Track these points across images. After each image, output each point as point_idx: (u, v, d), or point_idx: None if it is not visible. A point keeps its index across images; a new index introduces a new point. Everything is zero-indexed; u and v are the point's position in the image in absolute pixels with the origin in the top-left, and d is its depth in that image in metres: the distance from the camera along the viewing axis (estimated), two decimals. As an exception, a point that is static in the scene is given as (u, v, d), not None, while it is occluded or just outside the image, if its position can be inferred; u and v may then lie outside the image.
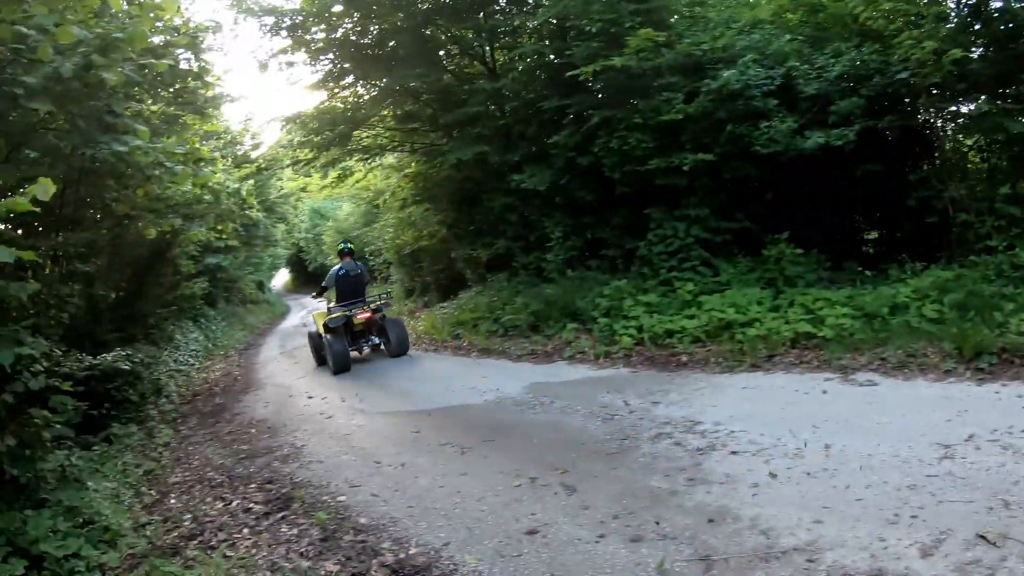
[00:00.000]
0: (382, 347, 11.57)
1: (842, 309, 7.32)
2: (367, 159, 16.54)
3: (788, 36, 9.59)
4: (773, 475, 4.20)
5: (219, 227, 13.96)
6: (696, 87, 9.45)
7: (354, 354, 11.20)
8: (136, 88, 6.97)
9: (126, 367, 9.05)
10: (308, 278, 46.88)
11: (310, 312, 17.24)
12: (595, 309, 9.45)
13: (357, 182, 19.23)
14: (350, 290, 11.47)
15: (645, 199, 10.31)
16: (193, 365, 14.55)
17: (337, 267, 11.66)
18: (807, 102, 8.90)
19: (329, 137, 14.82)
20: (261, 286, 37.94)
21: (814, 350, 6.99)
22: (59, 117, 5.55)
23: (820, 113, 8.79)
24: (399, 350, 11.12)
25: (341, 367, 10.51)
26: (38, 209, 3.22)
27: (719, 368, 7.15)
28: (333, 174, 18.02)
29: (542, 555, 3.71)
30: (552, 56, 11.30)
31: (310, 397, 9.45)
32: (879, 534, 3.32)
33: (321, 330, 11.32)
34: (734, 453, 4.65)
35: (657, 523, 3.79)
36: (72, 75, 4.39)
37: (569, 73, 10.16)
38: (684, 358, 7.69)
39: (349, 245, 12.52)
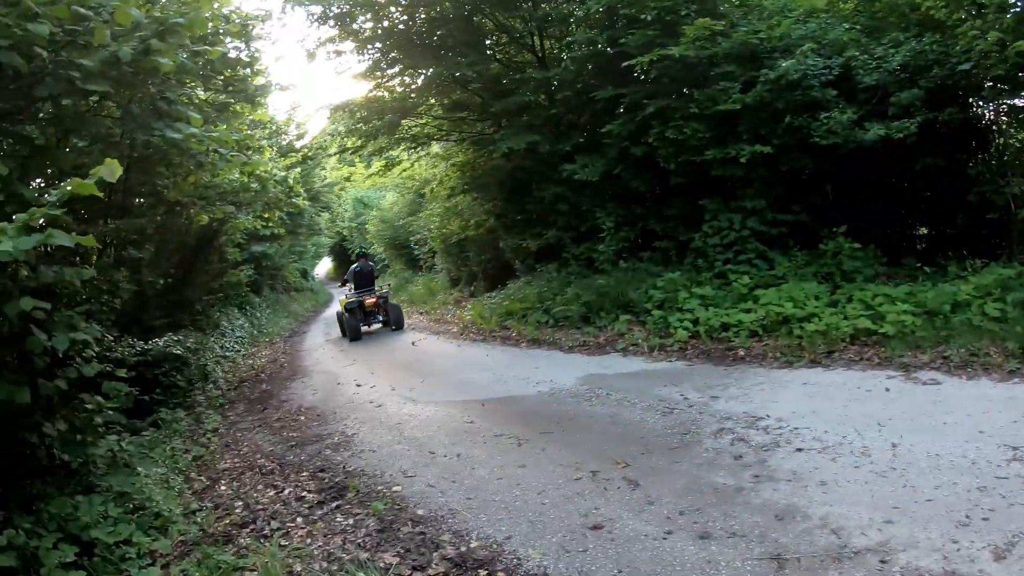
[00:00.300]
0: (386, 323, 15.52)
1: (902, 306, 7.23)
2: (414, 148, 16.72)
3: (845, 25, 9.42)
4: (842, 473, 4.20)
5: (266, 215, 14.46)
6: (753, 77, 9.34)
7: (365, 328, 15.19)
8: (188, 75, 6.91)
9: (178, 352, 9.26)
10: (350, 267, 46.75)
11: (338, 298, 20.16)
12: (648, 301, 9.47)
13: (403, 171, 19.42)
14: (363, 282, 15.64)
15: (700, 190, 10.26)
16: (239, 351, 14.76)
17: (355, 265, 16.15)
18: (865, 93, 8.75)
19: (377, 126, 15.02)
20: (305, 274, 38.38)
21: (874, 347, 6.92)
22: (112, 103, 5.58)
23: (879, 105, 8.64)
24: (396, 326, 15.18)
25: (354, 336, 14.49)
26: (101, 194, 3.16)
27: (777, 363, 7.12)
28: (379, 163, 18.25)
29: (608, 551, 3.70)
30: (604, 45, 11.24)
31: (359, 385, 9.56)
32: (951, 536, 3.31)
33: (343, 310, 15.36)
34: (799, 450, 4.64)
35: (725, 520, 3.81)
36: (130, 59, 4.31)
37: (625, 63, 10.12)
38: (741, 352, 7.68)
39: (364, 248, 17.57)
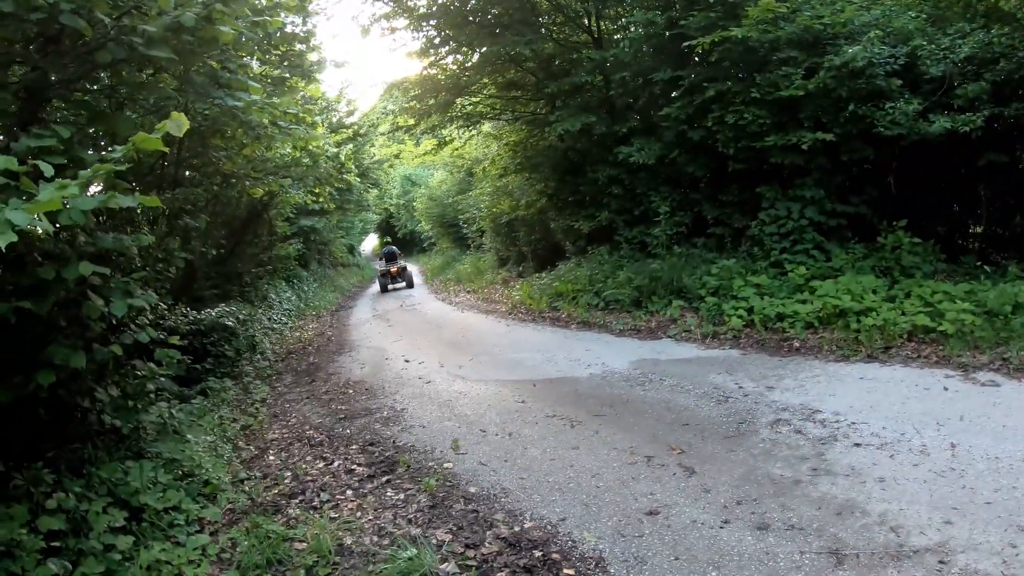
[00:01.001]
0: (407, 285, 23.05)
1: (962, 304, 7.10)
2: (467, 127, 16.78)
3: (911, 13, 9.19)
4: (900, 471, 4.21)
5: (316, 190, 14.66)
6: (816, 63, 9.19)
7: (391, 286, 23.00)
8: (247, 47, 6.81)
9: (229, 323, 9.42)
10: (398, 243, 47.62)
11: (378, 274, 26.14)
12: (702, 288, 9.47)
13: (455, 150, 19.52)
14: (388, 258, 24.25)
15: (758, 177, 10.17)
16: (286, 324, 15.03)
17: (384, 248, 25.40)
18: (930, 84, 8.57)
19: (430, 104, 15.10)
20: (352, 250, 38.98)
21: (932, 345, 6.85)
22: (167, 75, 5.54)
23: (943, 96, 8.45)
24: (408, 284, 22.97)
25: (383, 290, 22.65)
26: (167, 149, 3.16)
27: (833, 356, 7.08)
28: (430, 142, 18.37)
29: (665, 537, 3.74)
30: (662, 26, 11.15)
31: (407, 361, 9.72)
32: (1010, 540, 3.32)
33: (379, 274, 23.80)
34: (857, 445, 4.66)
35: (783, 512, 3.85)
36: (193, 24, 4.28)
37: (685, 44, 10.03)
38: (796, 343, 7.66)
39: (388, 240, 28.23)
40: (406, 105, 16.09)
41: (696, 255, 10.68)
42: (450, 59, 15.46)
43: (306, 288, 21.23)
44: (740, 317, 8.51)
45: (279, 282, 18.23)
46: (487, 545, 3.90)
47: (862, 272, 8.47)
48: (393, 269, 23.06)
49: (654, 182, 11.81)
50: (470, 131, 17.40)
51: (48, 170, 2.72)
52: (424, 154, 21.47)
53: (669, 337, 8.96)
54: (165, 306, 7.62)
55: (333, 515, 4.59)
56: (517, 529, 4.07)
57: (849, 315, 7.59)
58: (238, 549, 4.18)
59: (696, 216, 11.53)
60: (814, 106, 9.24)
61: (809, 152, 9.17)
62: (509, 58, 13.79)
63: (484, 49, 13.86)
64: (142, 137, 2.83)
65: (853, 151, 9.20)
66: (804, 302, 8.22)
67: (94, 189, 3.12)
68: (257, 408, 7.83)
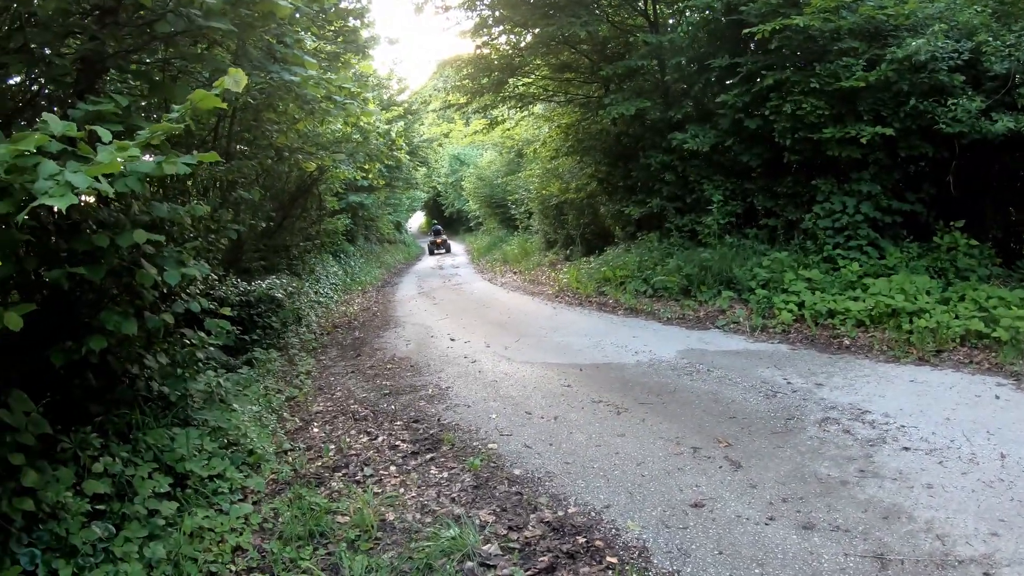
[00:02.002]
0: (446, 252, 32.39)
1: (1018, 311, 6.97)
2: (518, 108, 16.80)
3: (976, 8, 8.92)
4: (948, 478, 4.22)
5: (367, 167, 14.81)
6: (877, 55, 9.02)
7: (438, 253, 32.33)
8: (302, 21, 6.90)
9: (278, 295, 9.54)
10: (445, 222, 48.52)
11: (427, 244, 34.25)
12: (753, 279, 9.45)
13: (505, 131, 19.56)
14: (436, 233, 34.52)
15: (813, 169, 10.07)
16: (332, 298, 15.16)
17: (433, 226, 39.53)
18: (993, 81, 8.35)
19: (483, 83, 15.18)
20: (399, 227, 39.40)
21: (984, 351, 6.75)
22: (221, 49, 5.59)
23: (1007, 95, 8.21)
24: (446, 250, 32.38)
25: (430, 252, 32.42)
26: (224, 105, 3.14)
27: (883, 356, 7.04)
28: (481, 121, 18.41)
29: (709, 531, 3.75)
30: (721, 11, 10.99)
31: (452, 339, 9.87)
32: (1059, 555, 3.29)
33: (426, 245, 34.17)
34: (906, 449, 4.66)
35: (829, 513, 3.88)
36: None
37: (745, 31, 9.92)
38: (846, 341, 7.63)
39: (435, 221, 43.82)
40: (458, 84, 16.19)
41: (747, 246, 10.64)
42: (503, 39, 15.48)
43: (352, 263, 21.34)
44: (790, 311, 8.49)
45: (326, 256, 18.36)
46: (530, 528, 3.94)
47: (916, 272, 8.36)
48: (438, 240, 33.80)
49: (707, 170, 11.76)
50: (522, 112, 17.43)
51: (106, 135, 2.77)
52: (474, 133, 21.60)
53: (717, 328, 9.00)
54: (216, 277, 7.69)
55: (376, 490, 4.66)
56: (561, 514, 4.11)
57: (901, 315, 7.52)
58: (280, 519, 4.26)
59: (748, 206, 11.46)
60: (874, 99, 9.08)
61: (867, 146, 9.04)
62: (563, 39, 13.72)
63: (538, 30, 13.85)
64: (200, 94, 2.85)
65: (912, 147, 9.02)
66: (856, 299, 8.15)
67: (149, 158, 3.09)
68: (302, 380, 7.98)
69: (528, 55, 15.21)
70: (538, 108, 17.94)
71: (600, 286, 12.50)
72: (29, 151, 2.47)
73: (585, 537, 3.81)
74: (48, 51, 4.28)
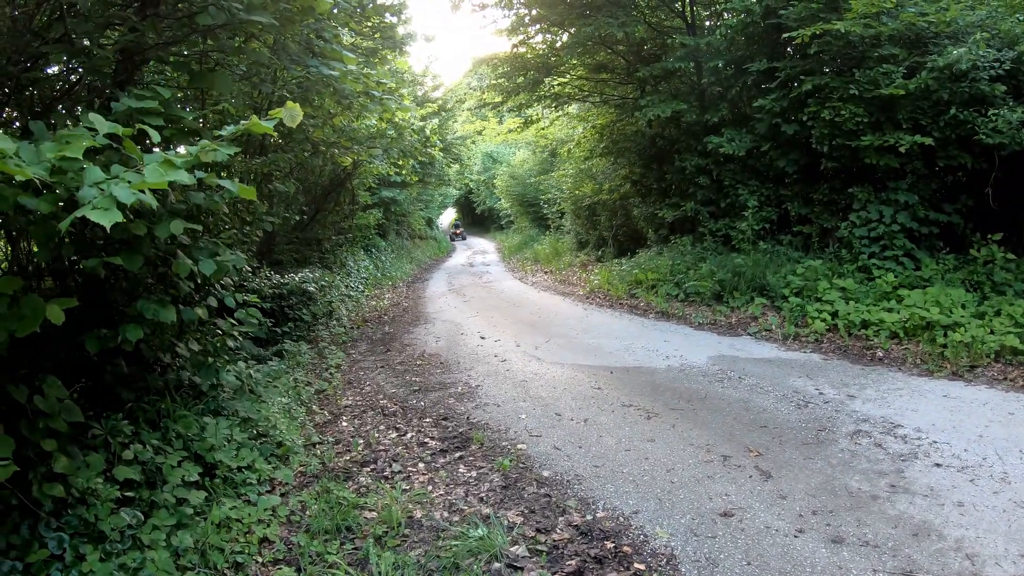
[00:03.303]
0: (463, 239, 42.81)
1: (1055, 329, 6.87)
2: (554, 107, 16.84)
3: (1019, 16, 8.82)
4: (980, 497, 4.20)
5: (400, 162, 14.87)
6: (918, 62, 8.95)
7: (459, 242, 41.65)
8: (339, 16, 6.79)
9: (311, 288, 9.62)
10: (476, 219, 49.45)
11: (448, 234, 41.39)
12: (786, 287, 9.43)
13: (540, 129, 19.60)
14: (455, 227, 46.86)
15: (850, 177, 9.99)
16: (363, 292, 15.38)
17: (455, 224, 48.38)
18: (1035, 92, 8.21)
19: (518, 82, 15.23)
20: (430, 223, 40.02)
21: (1019, 367, 6.67)
22: (264, 39, 5.61)
23: (1048, 107, 8.08)
24: (463, 239, 43.31)
25: (450, 239, 42.51)
26: (275, 134, 3.08)
27: (917, 370, 7.00)
28: (515, 120, 18.43)
29: (738, 541, 3.76)
30: (759, 15, 10.94)
31: (483, 338, 9.95)
32: (1090, 579, 3.28)
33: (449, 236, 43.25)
34: (937, 465, 4.65)
35: (858, 527, 3.89)
36: None
37: (784, 35, 9.89)
38: (879, 353, 7.59)
39: (457, 221, 50.99)
40: (493, 82, 16.27)
41: (780, 253, 10.60)
42: (539, 38, 15.54)
43: (384, 258, 21.47)
44: (823, 320, 8.46)
45: (357, 251, 18.48)
46: (558, 531, 3.97)
47: (951, 284, 8.25)
48: (457, 231, 44.66)
49: (742, 175, 11.75)
50: (556, 112, 17.45)
51: (155, 136, 2.83)
52: (508, 132, 21.53)
53: (749, 335, 9.01)
54: (250, 269, 7.78)
55: (404, 487, 4.69)
56: (589, 518, 4.13)
57: (935, 328, 7.45)
58: (308, 512, 4.31)
59: (782, 213, 11.41)
60: (913, 107, 9.00)
61: (905, 155, 8.97)
62: (600, 40, 13.77)
63: (574, 30, 13.89)
64: (255, 123, 2.87)
65: (950, 157, 8.92)
66: (890, 310, 8.10)
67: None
68: (332, 373, 8.07)
69: (564, 55, 15.24)
70: (573, 108, 17.95)
71: (631, 288, 12.53)
72: (75, 157, 2.50)
73: (613, 542, 3.85)
74: (88, 42, 4.32)
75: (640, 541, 3.86)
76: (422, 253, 29.42)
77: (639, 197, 15.29)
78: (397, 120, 11.97)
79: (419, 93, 20.53)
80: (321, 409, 6.72)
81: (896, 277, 8.71)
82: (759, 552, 3.67)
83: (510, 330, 10.41)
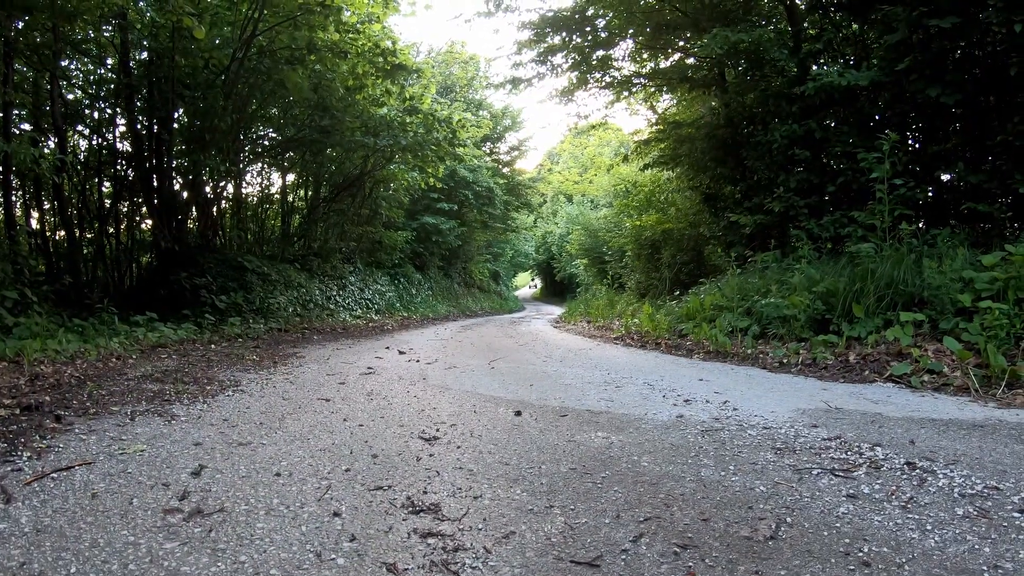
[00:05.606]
0: None
1: None
2: (614, 87, 12.63)
3: None
4: None
5: (429, 168, 13.85)
6: None
7: None
8: None
9: (249, 267, 9.60)
10: (555, 288, 45.60)
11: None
12: (965, 292, 4.67)
13: (596, 126, 15.33)
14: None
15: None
16: (354, 311, 13.61)
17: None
18: None
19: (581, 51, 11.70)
20: (497, 277, 37.34)
21: None
22: None
23: None
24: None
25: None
26: None
27: None
28: (577, 127, 15.46)
29: None
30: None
31: (401, 353, 6.67)
32: None
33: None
34: None
35: None
36: None
37: None
38: None
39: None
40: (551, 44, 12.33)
41: (934, 254, 5.67)
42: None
43: (413, 290, 19.67)
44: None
45: (375, 271, 17.05)
46: None
47: None
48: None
49: (864, 129, 7.05)
50: (618, 91, 13.06)
51: None
52: (576, 135, 17.98)
53: (896, 382, 4.20)
54: None
55: None
56: None
57: None
58: None
59: (941, 186, 6.61)
60: None
61: None
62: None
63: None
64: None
65: None
66: None
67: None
68: None
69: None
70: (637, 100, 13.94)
71: (677, 324, 7.93)
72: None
73: None
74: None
75: None
76: (476, 303, 26.34)
77: (710, 213, 10.93)
78: (416, 104, 11.99)
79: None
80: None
81: None
82: None
83: (455, 353, 7.03)
